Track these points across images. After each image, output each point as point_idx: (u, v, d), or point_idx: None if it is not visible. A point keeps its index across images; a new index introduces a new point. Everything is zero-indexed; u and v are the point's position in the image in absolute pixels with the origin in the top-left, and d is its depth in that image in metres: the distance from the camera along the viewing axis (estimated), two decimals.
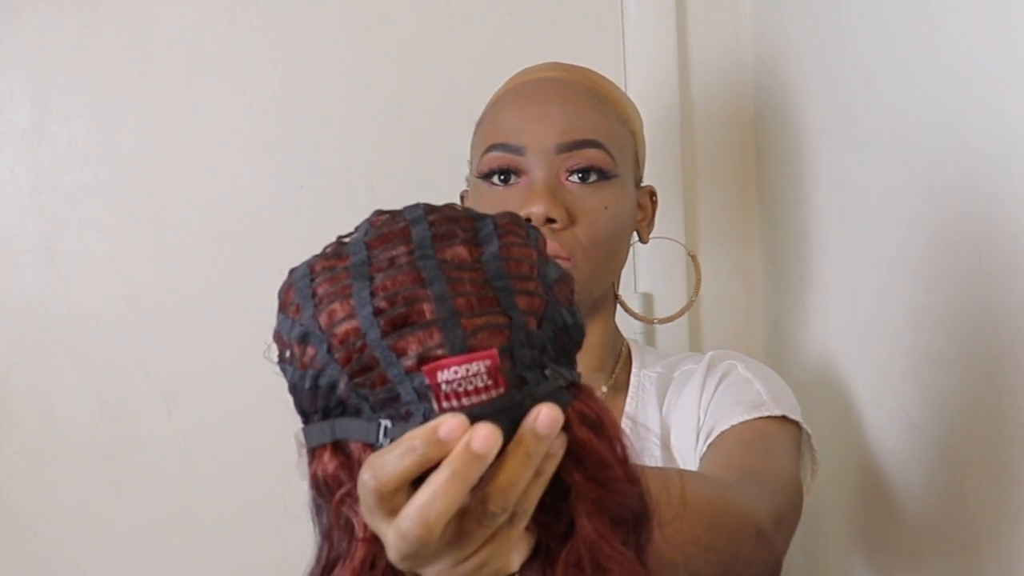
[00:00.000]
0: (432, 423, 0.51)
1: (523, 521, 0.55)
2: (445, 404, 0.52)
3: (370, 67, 1.35)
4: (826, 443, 1.17)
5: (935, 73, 0.91)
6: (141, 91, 1.33)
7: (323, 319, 0.55)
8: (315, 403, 0.57)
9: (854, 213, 1.10)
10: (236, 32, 1.35)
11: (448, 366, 0.52)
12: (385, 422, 0.54)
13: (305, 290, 0.57)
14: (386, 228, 0.58)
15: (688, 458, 0.98)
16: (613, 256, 1.01)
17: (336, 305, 0.55)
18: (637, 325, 1.16)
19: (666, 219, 1.34)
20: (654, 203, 1.09)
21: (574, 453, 0.55)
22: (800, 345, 1.26)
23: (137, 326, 1.33)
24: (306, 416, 0.58)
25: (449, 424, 0.51)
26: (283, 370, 0.58)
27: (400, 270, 0.55)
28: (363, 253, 0.57)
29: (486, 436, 0.50)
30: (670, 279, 1.35)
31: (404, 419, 0.53)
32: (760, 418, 0.95)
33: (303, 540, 0.65)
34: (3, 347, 1.32)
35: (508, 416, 0.52)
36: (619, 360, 1.07)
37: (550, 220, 0.94)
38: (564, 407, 0.54)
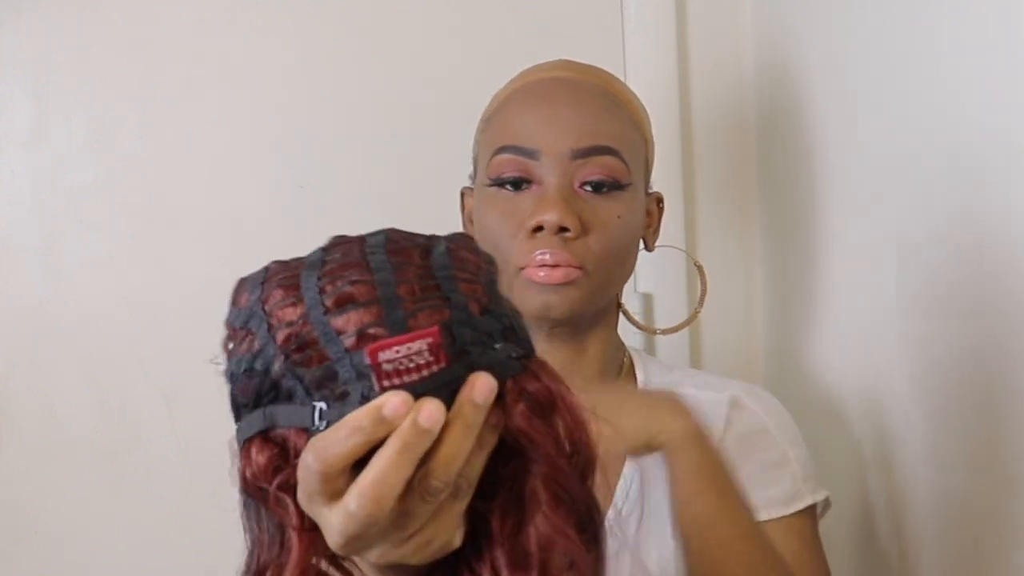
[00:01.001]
0: (376, 402, 0.51)
1: (467, 495, 0.55)
2: (385, 383, 0.52)
3: (370, 67, 1.35)
4: (826, 446, 1.17)
5: (935, 73, 0.91)
6: (141, 91, 1.33)
7: (268, 302, 0.56)
8: (247, 391, 0.57)
9: (854, 214, 1.10)
10: (237, 32, 1.35)
11: (390, 346, 0.52)
12: (320, 404, 0.54)
13: (256, 280, 0.58)
14: (343, 238, 0.60)
15: None
16: (622, 266, 0.99)
17: (281, 290, 0.56)
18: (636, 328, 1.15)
19: (666, 222, 1.33)
20: (660, 210, 1.06)
21: (509, 429, 0.55)
22: (799, 347, 1.26)
23: (137, 326, 1.33)
24: (239, 413, 0.58)
25: (393, 402, 0.51)
26: (225, 372, 0.59)
27: (350, 262, 0.56)
28: (318, 255, 0.58)
29: (431, 411, 0.51)
30: (670, 280, 1.35)
31: (340, 399, 0.54)
32: (797, 513, 0.95)
33: None
34: (3, 347, 1.32)
35: (449, 389, 0.53)
36: (621, 372, 1.04)
37: (563, 229, 0.92)
38: (507, 378, 0.55)
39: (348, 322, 0.53)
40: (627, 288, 1.34)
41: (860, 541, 1.12)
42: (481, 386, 0.53)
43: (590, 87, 0.99)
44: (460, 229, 1.06)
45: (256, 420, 0.57)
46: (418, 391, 0.52)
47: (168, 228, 1.34)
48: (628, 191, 0.97)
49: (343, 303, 0.54)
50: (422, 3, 1.36)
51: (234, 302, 0.59)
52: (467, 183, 1.05)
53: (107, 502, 1.33)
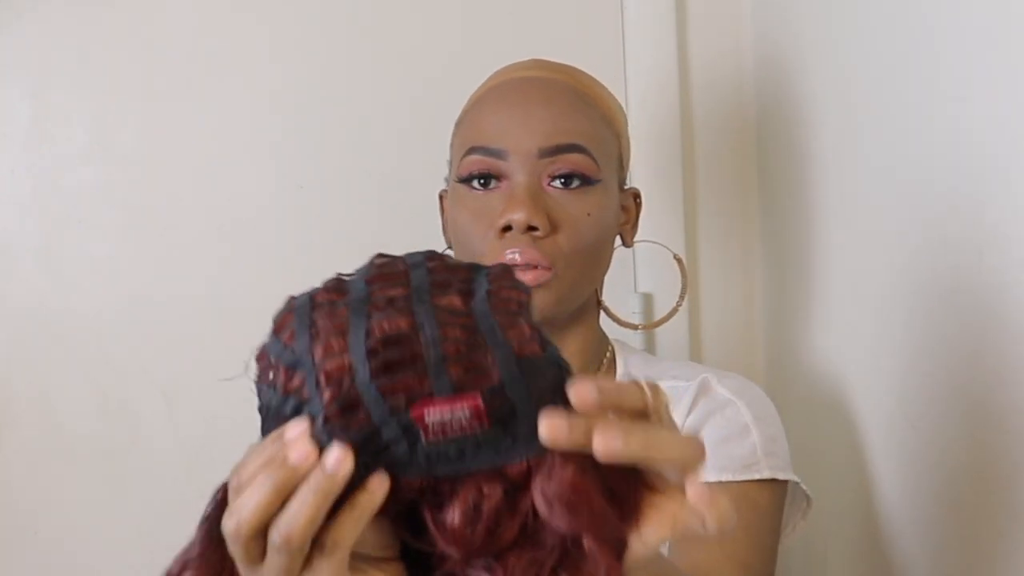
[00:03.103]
0: (287, 444, 0.54)
1: (334, 554, 0.54)
2: (432, 438, 0.54)
3: (369, 67, 1.35)
4: (826, 444, 1.17)
5: (935, 74, 0.91)
6: (142, 91, 1.34)
7: (317, 351, 0.55)
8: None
9: (854, 214, 1.10)
10: (237, 32, 1.35)
11: (435, 406, 0.54)
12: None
13: (304, 318, 0.57)
14: (387, 268, 0.59)
15: None
16: (596, 263, 0.99)
17: (332, 340, 0.55)
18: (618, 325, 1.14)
19: (665, 221, 1.33)
20: (638, 205, 1.06)
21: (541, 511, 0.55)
22: (799, 347, 1.26)
23: (137, 326, 1.33)
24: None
25: (299, 450, 0.53)
26: (260, 390, 0.59)
27: (396, 312, 0.56)
28: (363, 289, 0.58)
29: (337, 458, 0.53)
30: (670, 279, 1.35)
31: (380, 453, 0.55)
32: (748, 481, 0.93)
33: None
34: (3, 347, 1.32)
35: (489, 448, 0.55)
36: (601, 367, 1.03)
37: (531, 228, 0.92)
38: (529, 458, 0.55)
39: (396, 387, 0.54)
40: (627, 288, 1.34)
41: (859, 539, 1.13)
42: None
43: (559, 85, 0.99)
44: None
45: None
46: (457, 446, 0.55)
47: (168, 228, 1.34)
48: (598, 188, 0.96)
49: (391, 368, 0.54)
50: (422, 4, 1.36)
51: (277, 331, 0.58)
52: (444, 184, 1.06)
53: (107, 502, 1.33)
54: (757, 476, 0.93)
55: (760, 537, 0.92)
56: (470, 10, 1.36)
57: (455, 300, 0.57)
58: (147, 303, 1.33)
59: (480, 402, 0.54)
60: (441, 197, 1.06)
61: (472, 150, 0.97)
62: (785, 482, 0.96)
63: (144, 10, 1.34)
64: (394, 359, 0.54)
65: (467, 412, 0.54)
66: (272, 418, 0.57)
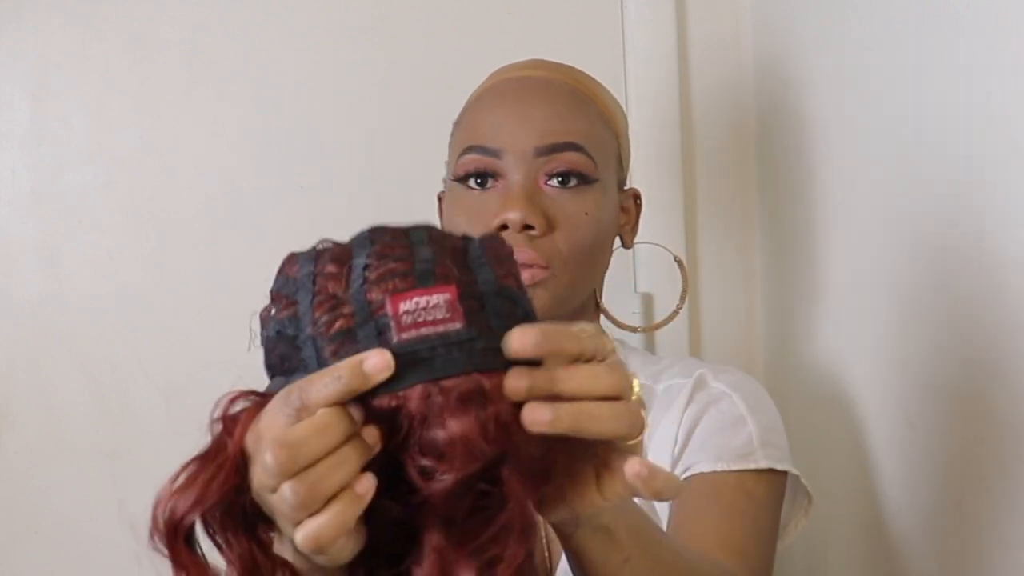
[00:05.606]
0: (358, 356, 0.55)
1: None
2: (404, 335, 0.56)
3: (369, 67, 1.35)
4: (826, 443, 1.17)
5: (936, 72, 0.91)
6: (141, 91, 1.34)
7: (318, 275, 0.59)
8: (275, 355, 0.60)
9: (854, 213, 1.10)
10: (236, 32, 1.35)
11: (410, 297, 0.56)
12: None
13: (309, 255, 0.61)
14: (385, 227, 0.62)
15: None
16: (594, 264, 0.98)
17: (333, 265, 0.59)
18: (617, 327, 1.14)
19: (665, 220, 1.33)
20: (638, 206, 1.06)
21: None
22: (800, 346, 1.26)
23: (137, 325, 1.33)
24: (271, 377, 0.62)
25: (374, 359, 0.55)
26: (262, 337, 0.62)
27: (397, 242, 0.59)
28: (366, 235, 0.61)
29: (377, 361, 0.55)
30: (670, 279, 1.35)
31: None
32: (745, 471, 0.92)
33: None
34: (3, 347, 1.32)
35: (461, 349, 0.56)
36: None
37: (528, 227, 0.91)
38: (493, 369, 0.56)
39: (384, 291, 0.56)
40: (627, 288, 1.34)
41: (859, 537, 1.13)
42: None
43: (556, 84, 0.99)
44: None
45: (276, 385, 0.60)
46: (428, 344, 0.55)
47: (168, 228, 1.34)
48: (596, 187, 0.96)
49: (383, 278, 0.57)
50: (422, 4, 1.36)
51: (281, 272, 0.61)
52: (442, 186, 1.05)
53: (107, 502, 1.33)
54: (753, 466, 0.92)
55: (757, 526, 0.91)
56: (470, 10, 1.36)
57: (448, 244, 0.60)
58: (147, 303, 1.33)
59: (455, 292, 0.56)
60: (440, 199, 1.06)
61: (468, 149, 0.96)
62: (784, 474, 0.95)
63: (144, 10, 1.34)
64: (388, 270, 0.57)
65: (442, 301, 0.56)
66: (267, 349, 0.61)
